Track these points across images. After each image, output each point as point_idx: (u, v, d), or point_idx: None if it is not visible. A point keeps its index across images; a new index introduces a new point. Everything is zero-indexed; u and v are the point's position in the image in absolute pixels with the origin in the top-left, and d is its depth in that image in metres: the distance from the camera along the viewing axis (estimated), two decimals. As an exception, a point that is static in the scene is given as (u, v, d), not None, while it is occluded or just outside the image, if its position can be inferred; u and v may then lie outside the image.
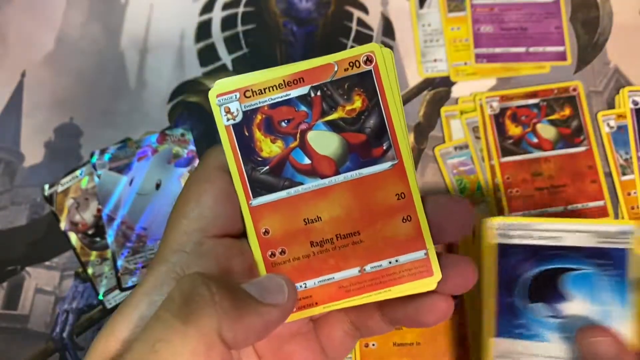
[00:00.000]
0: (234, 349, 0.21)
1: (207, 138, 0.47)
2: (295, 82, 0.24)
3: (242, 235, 0.25)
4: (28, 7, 0.51)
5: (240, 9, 0.50)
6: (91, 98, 0.49)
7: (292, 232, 0.24)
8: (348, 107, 0.24)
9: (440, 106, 0.47)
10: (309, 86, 0.24)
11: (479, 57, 0.48)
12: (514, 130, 0.45)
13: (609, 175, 0.45)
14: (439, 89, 0.48)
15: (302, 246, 0.24)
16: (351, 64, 0.24)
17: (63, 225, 0.45)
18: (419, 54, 0.49)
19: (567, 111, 0.46)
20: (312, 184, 0.24)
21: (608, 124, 0.46)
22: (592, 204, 0.44)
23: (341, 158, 0.24)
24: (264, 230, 0.24)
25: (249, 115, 0.24)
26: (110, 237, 0.44)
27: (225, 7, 0.50)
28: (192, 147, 0.46)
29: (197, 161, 0.46)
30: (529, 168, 0.45)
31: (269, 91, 0.24)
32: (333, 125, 0.24)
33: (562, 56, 0.48)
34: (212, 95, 0.24)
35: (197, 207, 0.23)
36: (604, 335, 0.32)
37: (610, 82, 0.47)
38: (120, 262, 0.44)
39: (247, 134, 0.24)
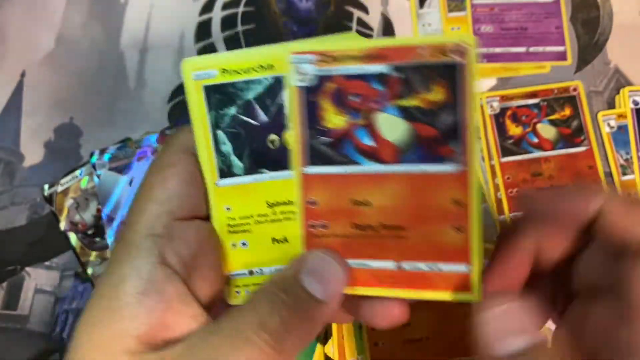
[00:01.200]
0: None
1: (207, 138, 0.47)
2: (375, 57, 0.22)
3: (209, 217, 0.25)
4: (28, 7, 0.51)
5: (240, 9, 0.50)
6: (91, 98, 0.49)
7: (338, 210, 0.23)
8: (426, 97, 0.22)
9: (440, 106, 0.47)
10: (388, 64, 0.22)
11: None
12: (514, 130, 0.45)
13: (609, 175, 0.45)
14: (439, 89, 0.48)
15: (345, 226, 0.23)
16: (440, 52, 0.21)
17: (63, 225, 0.45)
18: (419, 54, 0.49)
19: (567, 111, 0.46)
20: (369, 167, 0.23)
21: (608, 124, 0.46)
22: (592, 204, 0.44)
23: (406, 148, 0.22)
24: (311, 200, 0.23)
25: (322, 81, 0.23)
26: (110, 237, 0.44)
27: (225, 7, 0.50)
28: (192, 147, 0.46)
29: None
30: (529, 168, 0.45)
31: (346, 61, 0.22)
32: (405, 112, 0.22)
33: (562, 56, 0.48)
34: (286, 50, 0.23)
35: (164, 191, 0.23)
36: None
37: (611, 82, 0.47)
38: (120, 262, 0.44)
39: (315, 100, 0.23)
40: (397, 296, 0.23)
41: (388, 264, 0.23)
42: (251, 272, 0.25)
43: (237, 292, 0.25)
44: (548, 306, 0.24)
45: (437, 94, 0.22)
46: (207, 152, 0.24)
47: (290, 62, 0.23)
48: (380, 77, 0.22)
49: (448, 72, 0.21)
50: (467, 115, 0.21)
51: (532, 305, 0.21)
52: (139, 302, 0.21)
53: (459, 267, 0.22)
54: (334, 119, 0.23)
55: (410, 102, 0.22)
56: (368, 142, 0.23)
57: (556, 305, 0.24)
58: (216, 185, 0.24)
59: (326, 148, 0.23)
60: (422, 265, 0.23)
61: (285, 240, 0.24)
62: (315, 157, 0.23)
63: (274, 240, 0.24)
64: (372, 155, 0.23)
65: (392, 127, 0.22)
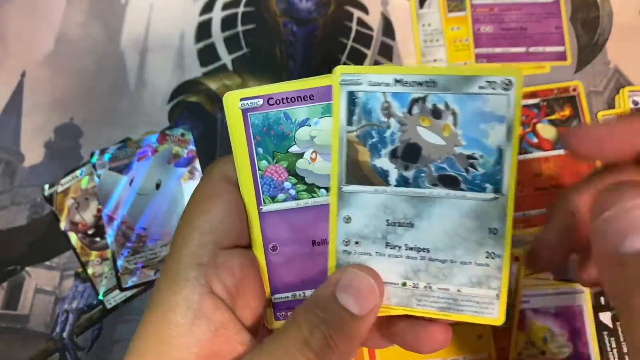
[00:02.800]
0: None
1: (207, 138, 0.47)
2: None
3: (250, 245, 0.25)
4: (28, 7, 0.51)
5: (240, 9, 0.50)
6: (91, 98, 0.49)
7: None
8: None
9: (440, 106, 0.47)
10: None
11: (479, 57, 0.48)
12: (514, 130, 0.45)
13: None
14: (439, 89, 0.48)
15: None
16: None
17: (63, 225, 0.45)
18: (419, 54, 0.49)
19: (567, 111, 0.46)
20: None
21: (608, 124, 0.46)
22: (592, 204, 0.44)
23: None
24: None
25: None
26: (110, 237, 0.44)
27: (225, 7, 0.50)
28: (192, 147, 0.46)
29: (197, 161, 0.46)
30: (529, 168, 0.45)
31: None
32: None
33: (562, 56, 0.48)
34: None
35: (207, 221, 0.23)
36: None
37: (610, 82, 0.47)
38: (120, 262, 0.44)
39: None
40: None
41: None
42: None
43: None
44: None
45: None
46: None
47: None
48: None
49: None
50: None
51: None
52: (190, 331, 0.22)
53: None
54: None
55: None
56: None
57: None
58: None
59: None
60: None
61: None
62: None
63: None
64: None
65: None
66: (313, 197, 0.25)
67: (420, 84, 0.23)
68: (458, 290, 0.24)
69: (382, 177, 0.24)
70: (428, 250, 0.24)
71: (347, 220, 0.24)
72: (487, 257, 0.23)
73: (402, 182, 0.24)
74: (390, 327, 0.25)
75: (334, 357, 0.21)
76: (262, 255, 0.25)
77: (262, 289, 0.25)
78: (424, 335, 0.24)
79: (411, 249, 0.24)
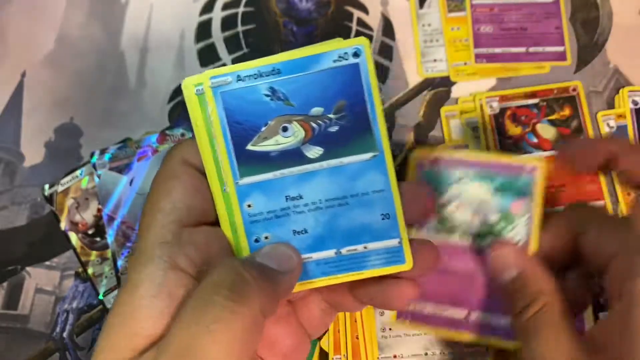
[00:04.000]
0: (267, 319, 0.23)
1: (207, 138, 0.47)
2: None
3: (217, 222, 0.26)
4: (28, 7, 0.51)
5: (240, 9, 0.50)
6: (91, 98, 0.49)
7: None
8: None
9: (440, 106, 0.47)
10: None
11: (478, 57, 0.48)
12: (513, 130, 0.45)
13: (608, 175, 0.45)
14: (438, 89, 0.48)
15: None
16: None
17: (63, 225, 0.45)
18: (418, 54, 0.49)
19: (566, 111, 0.46)
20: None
21: (608, 124, 0.46)
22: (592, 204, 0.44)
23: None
24: None
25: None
26: (110, 237, 0.44)
27: (225, 7, 0.50)
28: (192, 147, 0.46)
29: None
30: (529, 168, 0.45)
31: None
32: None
33: (561, 56, 0.48)
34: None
35: (169, 202, 0.25)
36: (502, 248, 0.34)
37: (610, 82, 0.47)
38: (120, 262, 0.44)
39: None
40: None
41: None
42: None
43: None
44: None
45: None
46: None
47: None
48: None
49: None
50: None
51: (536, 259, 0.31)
52: (151, 304, 0.23)
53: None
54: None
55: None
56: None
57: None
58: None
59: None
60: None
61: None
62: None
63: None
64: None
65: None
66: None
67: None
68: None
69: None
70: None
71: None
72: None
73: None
74: (360, 289, 0.27)
75: (251, 292, 0.22)
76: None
77: None
78: (395, 294, 0.26)
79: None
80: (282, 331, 0.28)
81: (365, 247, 0.25)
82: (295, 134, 0.25)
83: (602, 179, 0.44)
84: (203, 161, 0.25)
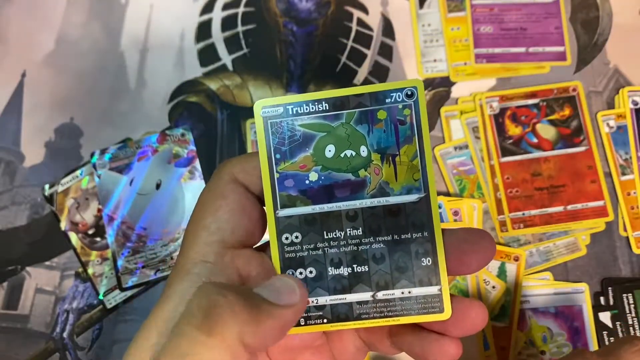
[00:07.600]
0: (255, 352, 0.21)
1: (207, 138, 0.47)
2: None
3: (259, 246, 0.25)
4: (28, 7, 0.51)
5: (240, 9, 0.50)
6: (91, 98, 0.49)
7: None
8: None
9: (440, 106, 0.47)
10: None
11: (478, 57, 0.48)
12: (513, 130, 0.46)
13: (608, 175, 0.45)
14: (438, 89, 0.48)
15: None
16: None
17: (63, 225, 0.45)
18: (419, 54, 0.49)
19: (566, 111, 0.46)
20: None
21: (608, 124, 0.46)
22: (591, 204, 0.44)
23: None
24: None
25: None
26: (110, 237, 0.44)
27: (225, 7, 0.50)
28: (192, 147, 0.46)
29: (197, 161, 0.46)
30: (529, 168, 0.45)
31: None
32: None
33: (561, 56, 0.48)
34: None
35: (214, 221, 0.24)
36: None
37: (610, 82, 0.47)
38: (120, 262, 0.44)
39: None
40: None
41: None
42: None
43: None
44: None
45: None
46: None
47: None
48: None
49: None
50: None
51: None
52: (176, 319, 0.22)
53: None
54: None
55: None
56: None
57: None
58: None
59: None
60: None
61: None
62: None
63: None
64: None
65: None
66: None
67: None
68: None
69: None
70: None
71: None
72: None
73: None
74: (399, 336, 0.26)
75: (228, 317, 0.20)
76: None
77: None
78: (435, 349, 0.25)
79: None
80: (311, 359, 0.27)
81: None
82: None
83: (602, 179, 0.44)
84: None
